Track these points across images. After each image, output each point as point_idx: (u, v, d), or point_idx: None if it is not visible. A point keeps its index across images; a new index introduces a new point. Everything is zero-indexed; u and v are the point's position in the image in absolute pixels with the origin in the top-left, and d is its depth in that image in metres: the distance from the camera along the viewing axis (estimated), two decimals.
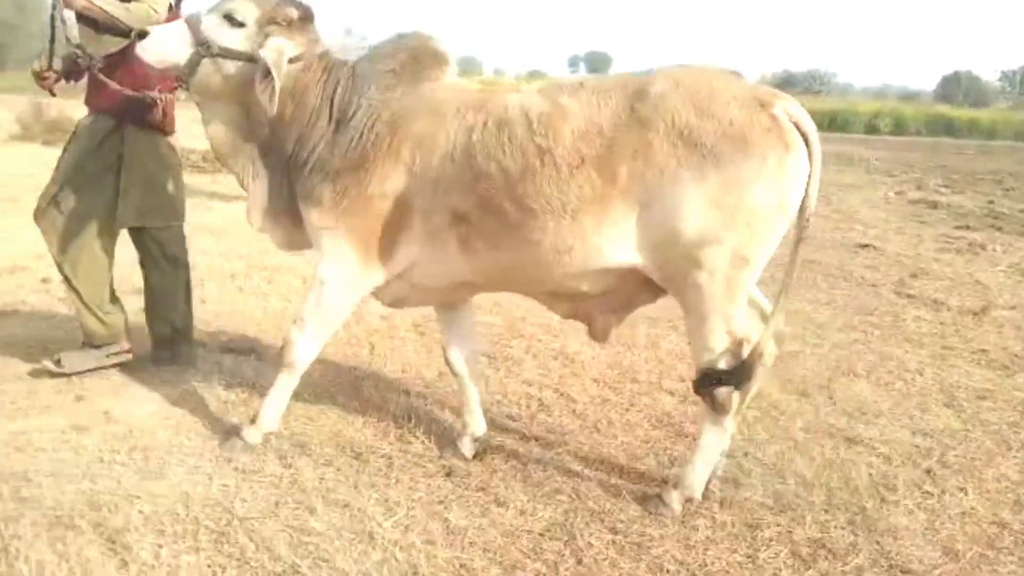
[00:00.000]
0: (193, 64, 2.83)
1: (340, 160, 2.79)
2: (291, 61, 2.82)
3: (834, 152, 17.00)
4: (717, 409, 2.72)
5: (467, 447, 3.12)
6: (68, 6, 3.13)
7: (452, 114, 2.74)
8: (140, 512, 2.57)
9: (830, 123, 29.06)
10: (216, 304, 4.79)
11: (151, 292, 3.77)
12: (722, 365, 2.66)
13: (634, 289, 2.78)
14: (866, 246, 7.74)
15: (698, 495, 2.80)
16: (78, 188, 3.49)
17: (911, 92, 65.73)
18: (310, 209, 2.87)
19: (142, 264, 3.77)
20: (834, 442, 3.38)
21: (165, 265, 3.72)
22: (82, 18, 3.18)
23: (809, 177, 2.55)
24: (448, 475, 2.96)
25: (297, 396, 3.15)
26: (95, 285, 3.58)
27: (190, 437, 3.13)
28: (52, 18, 3.21)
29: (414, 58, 2.87)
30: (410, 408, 3.48)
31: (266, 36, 2.80)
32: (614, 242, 2.62)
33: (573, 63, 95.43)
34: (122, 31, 3.20)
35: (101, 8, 3.17)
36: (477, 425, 3.18)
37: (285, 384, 2.99)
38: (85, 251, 3.53)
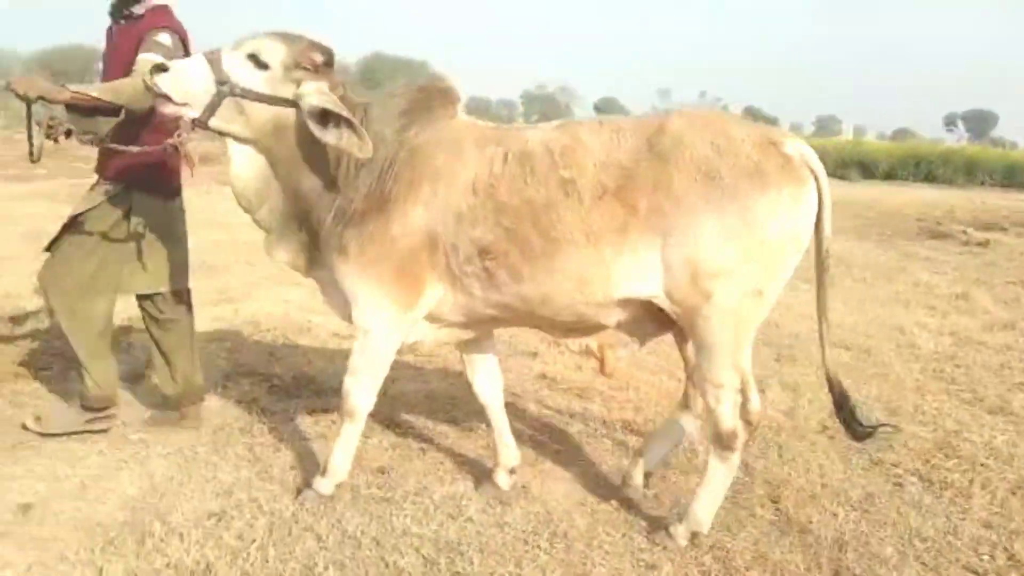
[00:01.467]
0: (214, 104, 2.76)
1: (362, 203, 2.80)
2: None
3: None
4: (724, 444, 2.77)
5: (504, 480, 3.23)
6: (53, 102, 3.08)
7: (470, 148, 2.79)
8: None
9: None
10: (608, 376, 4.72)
11: (161, 354, 3.72)
12: (729, 403, 2.73)
13: (647, 322, 2.85)
14: None
15: (705, 530, 2.87)
16: (83, 249, 3.42)
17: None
18: (338, 257, 2.87)
19: (148, 326, 3.72)
20: None
21: (171, 326, 3.69)
22: (71, 107, 3.17)
23: (820, 211, 2.70)
24: None
25: None
26: (96, 346, 3.52)
27: (608, 531, 2.98)
28: (28, 115, 3.12)
29: (425, 96, 2.90)
30: None
31: (294, 81, 2.77)
32: (633, 273, 2.68)
33: (950, 121, 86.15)
34: (114, 110, 3.17)
35: (87, 94, 3.10)
36: (511, 457, 3.26)
37: (350, 433, 3.04)
38: (86, 312, 3.47)
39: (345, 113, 2.67)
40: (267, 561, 2.65)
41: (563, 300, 2.77)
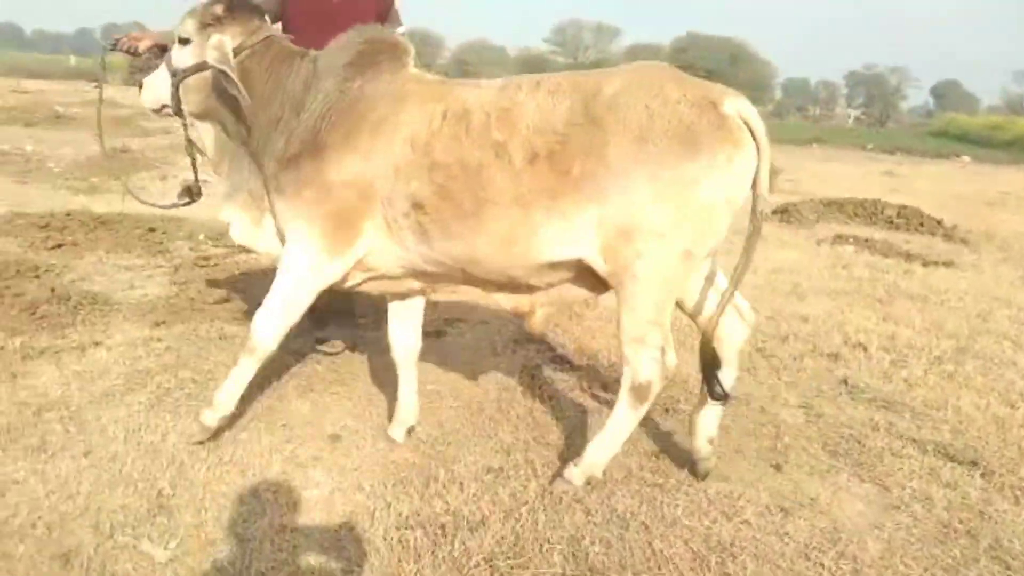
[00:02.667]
0: (174, 95, 3.06)
1: (298, 147, 2.84)
2: (234, 53, 2.92)
3: None
4: (638, 396, 2.77)
5: (399, 434, 3.26)
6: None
7: (412, 104, 2.79)
8: None
9: None
10: (923, 390, 4.16)
11: None
12: (649, 357, 2.71)
13: (576, 281, 2.85)
14: None
15: (599, 474, 2.90)
16: None
17: None
18: (275, 197, 2.94)
19: None
20: None
21: None
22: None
23: (758, 173, 2.63)
24: None
25: None
26: None
27: (908, 563, 2.61)
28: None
29: (372, 50, 2.92)
30: None
31: (207, 40, 2.92)
32: (563, 236, 2.65)
33: None
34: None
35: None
36: (409, 414, 3.31)
37: (245, 367, 3.01)
38: None
39: (215, 64, 2.86)
40: (536, 525, 2.69)
41: (492, 260, 2.77)
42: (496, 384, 3.92)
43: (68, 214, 6.77)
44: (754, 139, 2.60)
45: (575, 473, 2.90)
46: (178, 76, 3.05)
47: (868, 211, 10.17)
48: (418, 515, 2.73)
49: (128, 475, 2.83)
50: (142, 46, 3.37)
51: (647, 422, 3.51)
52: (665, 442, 3.39)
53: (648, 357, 2.72)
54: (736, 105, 2.60)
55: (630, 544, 2.63)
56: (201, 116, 3.17)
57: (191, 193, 3.47)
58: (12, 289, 4.66)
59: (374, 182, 2.79)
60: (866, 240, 8.48)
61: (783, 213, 9.96)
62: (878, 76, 64.78)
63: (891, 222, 9.81)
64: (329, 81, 2.88)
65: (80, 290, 4.84)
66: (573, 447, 3.27)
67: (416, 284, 3.11)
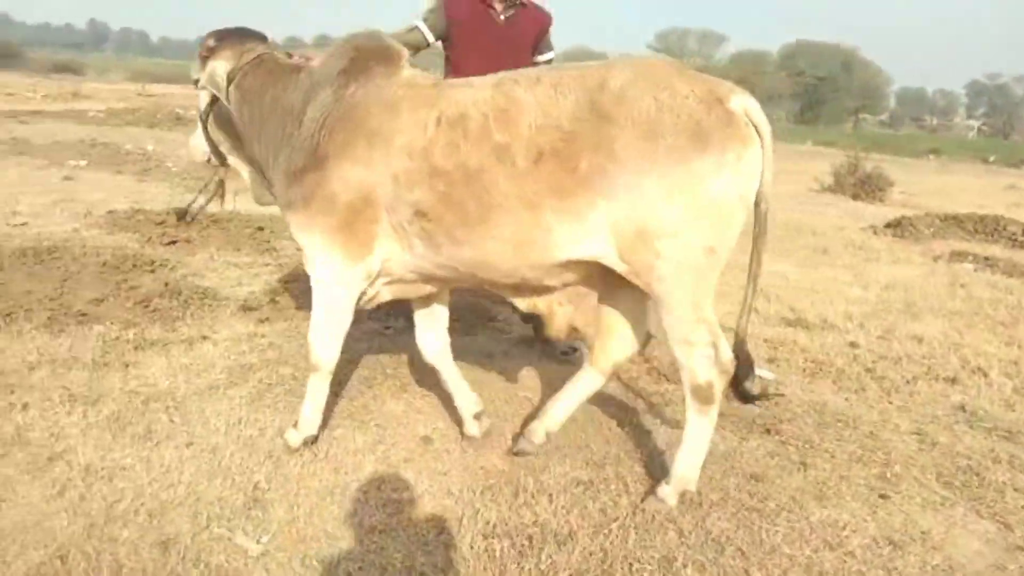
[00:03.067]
0: (208, 139, 3.29)
1: (302, 160, 2.84)
2: (229, 79, 3.08)
3: None
4: (702, 399, 2.72)
5: (473, 428, 3.28)
6: None
7: (405, 111, 2.75)
8: None
9: None
10: None
11: None
12: (701, 356, 2.67)
13: (596, 282, 2.84)
14: None
15: (693, 487, 2.84)
16: None
17: None
18: (288, 214, 2.95)
19: None
20: None
21: None
22: None
23: (763, 169, 2.58)
24: None
25: None
26: None
27: None
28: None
29: (362, 56, 2.90)
30: None
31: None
32: (576, 235, 2.59)
33: None
34: None
35: None
36: (471, 403, 3.31)
37: (316, 386, 3.07)
38: None
39: (209, 89, 3.16)
40: (626, 543, 2.61)
41: (502, 264, 2.71)
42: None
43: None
44: (759, 137, 2.56)
45: (667, 491, 2.82)
46: (202, 119, 3.24)
47: (989, 227, 9.58)
48: (505, 524, 2.69)
49: (227, 467, 2.91)
50: None
51: (746, 443, 3.38)
52: (765, 464, 3.24)
53: (700, 356, 2.67)
54: (742, 102, 2.56)
55: (725, 569, 2.51)
56: (234, 152, 3.31)
57: (185, 215, 3.71)
58: (129, 282, 4.90)
59: (375, 189, 2.76)
60: (987, 258, 7.97)
61: (896, 227, 9.50)
62: (1002, 87, 61.21)
63: (1014, 239, 9.20)
64: (326, 90, 2.87)
65: (191, 285, 5.04)
66: (668, 464, 3.16)
67: (431, 288, 3.10)
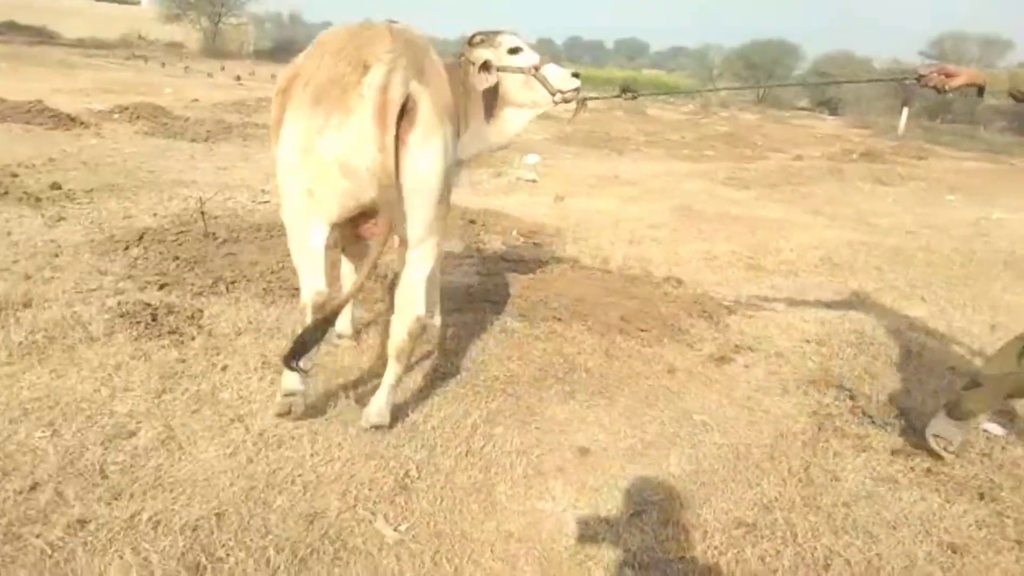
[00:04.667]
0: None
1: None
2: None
3: None
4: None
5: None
6: None
7: None
8: None
9: None
10: None
11: None
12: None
13: None
14: None
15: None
16: None
17: None
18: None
19: None
20: None
21: None
22: None
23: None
24: None
25: None
26: None
27: None
28: None
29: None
30: None
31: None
32: None
33: None
34: None
35: None
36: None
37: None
38: None
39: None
40: None
41: None
42: (774, 428, 3.49)
43: None
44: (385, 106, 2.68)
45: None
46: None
47: None
48: (648, 554, 2.50)
49: (383, 452, 2.96)
50: (954, 83, 3.16)
51: (951, 506, 2.89)
52: (969, 536, 2.75)
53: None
54: (383, 72, 2.65)
55: None
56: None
57: None
58: None
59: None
60: None
61: None
62: None
63: None
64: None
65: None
66: (850, 519, 2.79)
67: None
